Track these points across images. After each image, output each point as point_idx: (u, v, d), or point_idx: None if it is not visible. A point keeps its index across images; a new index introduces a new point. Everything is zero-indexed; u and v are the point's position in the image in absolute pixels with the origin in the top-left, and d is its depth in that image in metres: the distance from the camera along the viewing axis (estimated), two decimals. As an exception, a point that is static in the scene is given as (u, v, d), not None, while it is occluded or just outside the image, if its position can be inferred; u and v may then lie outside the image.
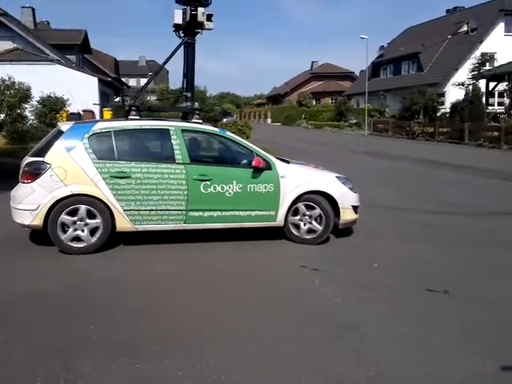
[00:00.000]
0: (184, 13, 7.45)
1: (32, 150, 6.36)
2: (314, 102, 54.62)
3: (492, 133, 23.22)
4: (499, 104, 30.07)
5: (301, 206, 6.37)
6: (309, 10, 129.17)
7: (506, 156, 19.82)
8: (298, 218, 6.42)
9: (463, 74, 31.19)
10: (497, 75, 28.40)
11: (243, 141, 6.55)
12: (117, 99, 32.32)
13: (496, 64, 29.79)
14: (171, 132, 6.14)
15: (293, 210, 6.37)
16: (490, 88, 29.40)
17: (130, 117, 6.48)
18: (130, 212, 5.89)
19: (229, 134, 6.55)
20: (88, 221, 5.79)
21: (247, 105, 78.53)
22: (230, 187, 6.13)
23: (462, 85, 28.35)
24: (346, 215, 6.50)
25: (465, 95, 26.88)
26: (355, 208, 6.59)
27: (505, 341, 3.83)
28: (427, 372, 3.32)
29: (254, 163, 6.17)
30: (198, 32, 7.54)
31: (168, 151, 6.11)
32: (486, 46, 34.30)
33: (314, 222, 6.40)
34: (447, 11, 44.53)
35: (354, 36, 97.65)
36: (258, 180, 6.23)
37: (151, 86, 58.80)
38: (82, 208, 5.76)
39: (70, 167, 5.77)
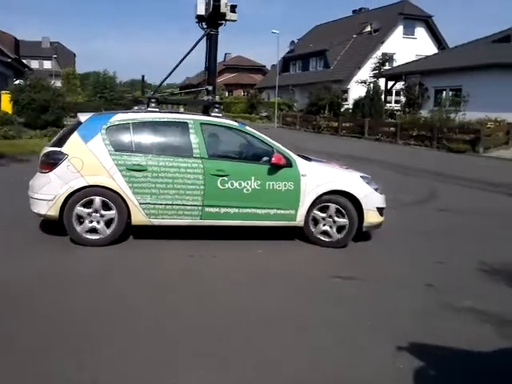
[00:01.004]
0: (207, 4, 7.15)
1: (52, 140, 6.22)
2: (227, 94, 54.76)
3: (389, 128, 24.75)
4: (396, 102, 32.12)
5: (331, 207, 6.15)
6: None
7: (400, 150, 21.28)
8: (322, 216, 6.19)
9: (365, 72, 32.91)
10: (395, 75, 30.32)
11: (263, 136, 6.28)
12: (17, 82, 30.20)
13: (395, 64, 31.80)
14: (190, 125, 6.00)
15: (314, 209, 6.16)
16: (389, 87, 31.32)
17: (148, 109, 6.29)
18: (145, 205, 5.78)
19: (248, 128, 6.35)
20: (103, 212, 5.70)
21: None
22: (247, 184, 5.97)
23: (364, 82, 29.91)
24: (370, 217, 6.22)
25: (366, 92, 28.37)
26: (380, 210, 6.32)
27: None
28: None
29: (273, 160, 5.96)
30: (222, 23, 7.26)
31: (186, 145, 5.96)
32: (386, 47, 36.44)
33: (334, 228, 6.20)
34: (353, 11, 46.64)
35: (266, 30, 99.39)
36: (278, 177, 6.03)
37: (56, 69, 55.68)
38: (97, 199, 5.66)
39: (86, 158, 5.68)
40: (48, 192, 5.67)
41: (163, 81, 8.04)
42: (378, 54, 34.36)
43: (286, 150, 6.17)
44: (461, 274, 5.59)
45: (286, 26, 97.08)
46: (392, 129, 24.33)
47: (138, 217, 5.82)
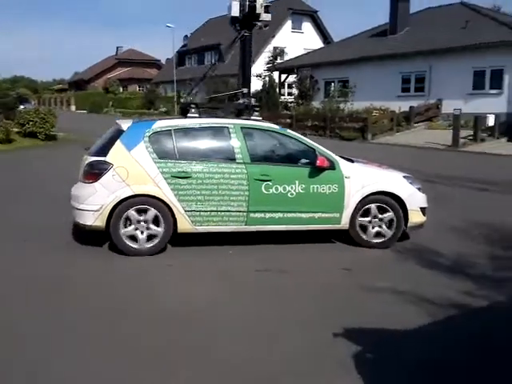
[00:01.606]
0: (242, 5, 6.74)
1: (91, 149, 5.98)
2: (121, 89, 52.74)
3: (285, 120, 25.50)
4: (289, 94, 33.20)
5: (372, 207, 6.01)
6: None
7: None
8: (368, 220, 6.05)
9: (259, 65, 33.50)
10: (287, 68, 31.28)
11: (305, 139, 6.09)
12: None
13: (286, 58, 32.75)
14: (231, 130, 5.81)
15: (361, 212, 5.99)
16: (282, 79, 32.24)
17: (188, 114, 6.01)
18: (191, 213, 5.63)
19: (290, 131, 6.17)
20: (151, 226, 5.58)
21: (46, 90, 71.65)
22: (292, 188, 5.79)
23: (260, 76, 30.48)
24: (414, 217, 6.10)
25: (262, 86, 28.97)
26: (423, 210, 6.20)
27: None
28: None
29: (318, 163, 5.75)
30: (255, 25, 6.87)
31: (228, 150, 5.80)
32: (277, 41, 37.36)
33: (383, 226, 6.06)
34: (243, 6, 47.09)
35: (160, 24, 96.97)
36: (322, 180, 5.85)
37: None
38: (151, 211, 5.54)
39: (131, 167, 5.52)
40: (94, 202, 5.49)
41: (196, 85, 7.54)
42: (270, 47, 35.16)
43: (328, 152, 6.01)
44: (375, 255, 5.97)
45: (178, 20, 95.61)
46: (288, 120, 25.07)
47: (184, 224, 5.67)
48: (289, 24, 39.38)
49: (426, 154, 17.22)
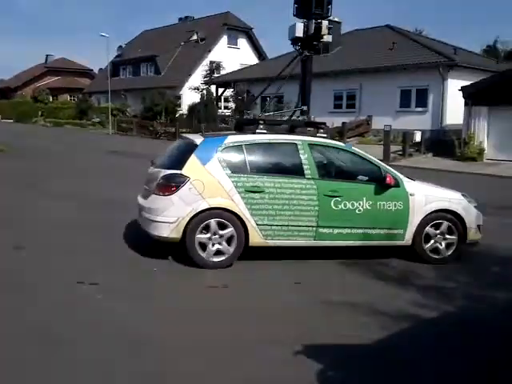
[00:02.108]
0: (306, 26, 6.87)
1: (159, 162, 6.10)
2: (52, 99, 50.30)
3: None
4: (226, 108, 33.21)
5: (436, 223, 6.07)
6: (40, 1, 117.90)
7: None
8: (433, 234, 6.08)
9: (197, 78, 33.29)
10: (224, 82, 31.28)
11: (370, 156, 6.14)
12: None
13: (223, 72, 32.74)
14: (299, 146, 5.86)
15: (428, 227, 6.05)
16: (219, 93, 32.19)
17: (257, 130, 6.01)
18: (262, 227, 5.67)
19: (355, 149, 6.23)
20: (221, 232, 5.57)
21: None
22: (360, 204, 5.85)
23: (197, 89, 30.24)
24: (471, 235, 6.14)
25: (200, 99, 28.74)
26: (479, 227, 6.26)
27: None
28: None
29: (387, 180, 5.86)
30: (316, 45, 7.02)
31: (297, 166, 5.85)
32: (213, 55, 37.34)
33: (443, 243, 6.11)
34: (180, 19, 46.78)
35: (93, 32, 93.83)
36: (388, 197, 5.93)
37: None
38: (212, 222, 5.55)
39: (207, 180, 5.58)
40: (171, 215, 5.52)
41: (271, 101, 7.45)
42: (207, 61, 35.05)
43: (392, 170, 6.12)
44: (323, 268, 5.91)
45: (112, 29, 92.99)
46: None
47: (256, 238, 5.69)
48: (225, 39, 39.54)
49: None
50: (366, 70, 24.67)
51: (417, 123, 22.11)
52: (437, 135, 21.69)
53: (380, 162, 6.24)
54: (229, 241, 5.61)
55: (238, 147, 5.79)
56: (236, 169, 5.71)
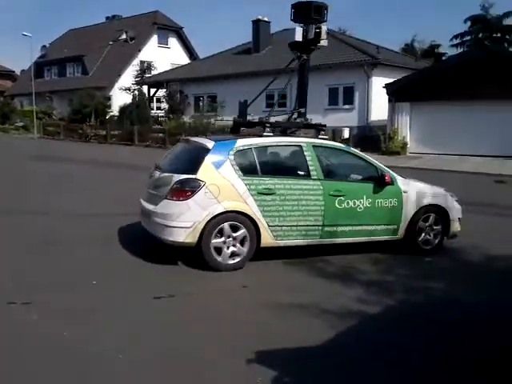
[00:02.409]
0: (305, 31, 7.08)
1: (168, 167, 6.10)
2: (-32, 102, 46.70)
3: (158, 134, 24.93)
4: (158, 108, 32.53)
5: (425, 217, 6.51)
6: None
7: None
8: (424, 227, 6.53)
9: (127, 79, 32.30)
10: (156, 82, 30.60)
11: (367, 156, 6.51)
12: None
13: (155, 72, 32.00)
14: (304, 148, 6.01)
15: (419, 224, 6.48)
16: (152, 93, 31.45)
17: (264, 133, 6.11)
18: (274, 228, 5.79)
19: (353, 149, 6.66)
20: (234, 234, 5.63)
21: None
22: (361, 202, 6.12)
23: (129, 90, 29.35)
24: (454, 227, 6.65)
25: (132, 99, 27.92)
26: (459, 220, 6.72)
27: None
28: None
29: (386, 179, 6.21)
30: (313, 49, 7.32)
31: (303, 167, 6.03)
32: (143, 55, 36.45)
33: (431, 234, 6.60)
34: (107, 18, 45.13)
35: (15, 32, 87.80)
36: (384, 195, 6.24)
37: None
38: (242, 231, 5.65)
39: (221, 184, 5.60)
40: (187, 219, 5.49)
41: (251, 103, 7.50)
42: (137, 61, 34.11)
43: (387, 169, 6.43)
44: (269, 270, 5.92)
45: (34, 29, 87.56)
46: (161, 135, 24.54)
47: (267, 239, 5.80)
48: (155, 39, 38.69)
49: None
50: (295, 70, 25.05)
51: (345, 120, 22.81)
52: (363, 131, 22.51)
53: (375, 161, 6.51)
54: (241, 242, 5.70)
55: (248, 150, 5.87)
56: (248, 172, 5.78)
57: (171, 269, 5.77)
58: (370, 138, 21.25)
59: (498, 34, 41.41)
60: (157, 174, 6.15)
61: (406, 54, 34.55)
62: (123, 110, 28.28)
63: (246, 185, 5.67)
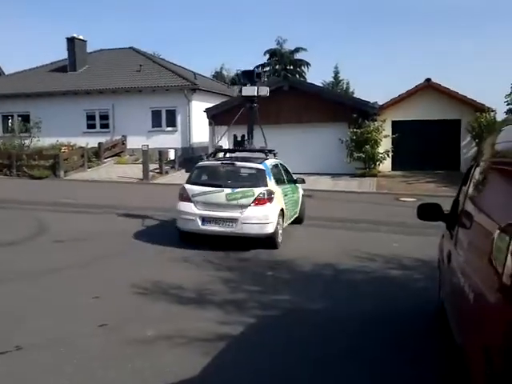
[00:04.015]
0: (258, 89, 10.04)
1: (238, 184, 8.16)
2: None
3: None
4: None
5: None
6: None
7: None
8: None
9: None
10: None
11: (288, 169, 9.94)
12: None
13: None
14: (280, 164, 9.59)
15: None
16: None
17: (269, 155, 9.54)
18: (286, 212, 8.91)
19: (285, 165, 9.90)
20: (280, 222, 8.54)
21: None
22: (292, 196, 9.52)
23: None
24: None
25: None
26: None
27: None
28: None
29: (298, 181, 9.95)
30: (256, 99, 10.16)
31: (282, 177, 9.37)
32: None
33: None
34: None
35: None
36: (295, 191, 9.82)
37: None
38: (280, 218, 8.48)
39: (276, 191, 8.31)
40: (272, 217, 8.00)
41: (222, 136, 13.04)
42: None
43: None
44: (125, 304, 5.58)
45: None
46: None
47: (285, 221, 8.89)
48: None
49: (125, 188, 17.31)
50: (117, 90, 24.29)
51: (169, 142, 22.94)
52: (187, 152, 22.93)
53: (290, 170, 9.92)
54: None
55: (275, 166, 9.18)
56: (278, 182, 8.76)
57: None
58: (194, 158, 21.71)
59: (291, 67, 46.80)
60: (225, 190, 7.98)
61: (217, 81, 36.45)
62: None
63: (280, 190, 8.58)
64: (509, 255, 2.10)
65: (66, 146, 22.38)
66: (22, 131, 23.07)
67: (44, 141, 22.58)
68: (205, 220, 7.97)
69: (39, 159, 20.33)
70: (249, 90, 10.11)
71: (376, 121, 18.76)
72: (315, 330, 4.82)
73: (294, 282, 6.55)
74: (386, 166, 19.13)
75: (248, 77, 10.51)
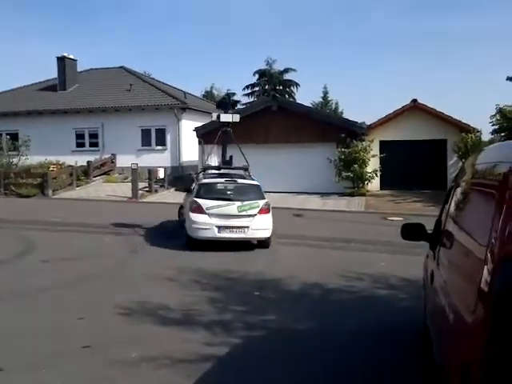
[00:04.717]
0: (232, 116, 12.03)
1: (244, 197, 9.90)
2: None
3: None
4: None
5: None
6: None
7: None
8: None
9: None
10: None
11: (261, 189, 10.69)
12: None
13: None
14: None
15: None
16: None
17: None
18: None
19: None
20: None
21: None
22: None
23: None
24: None
25: None
26: None
27: None
28: None
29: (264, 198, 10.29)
30: (230, 124, 11.94)
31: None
32: None
33: None
34: None
35: None
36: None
37: None
38: None
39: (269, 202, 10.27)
40: (270, 224, 9.87)
41: (208, 155, 14.94)
42: None
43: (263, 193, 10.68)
44: (110, 325, 5.53)
45: None
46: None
47: None
48: None
49: (114, 206, 17.23)
50: (107, 109, 24.39)
51: (158, 160, 22.97)
52: (177, 171, 22.96)
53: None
54: None
55: (260, 184, 10.46)
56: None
57: None
58: (183, 177, 21.73)
59: (280, 87, 47.39)
60: (235, 203, 9.66)
61: (207, 100, 36.76)
62: None
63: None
64: (484, 270, 2.16)
65: (54, 164, 22.30)
66: (11, 149, 22.98)
67: (33, 159, 22.53)
68: (220, 228, 9.48)
69: (27, 177, 20.23)
70: (225, 117, 12.09)
71: (364, 141, 19.02)
72: (301, 349, 4.81)
73: (280, 302, 6.54)
74: (374, 185, 19.34)
75: (223, 106, 13.89)
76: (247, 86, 47.48)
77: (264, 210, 9.71)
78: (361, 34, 69.23)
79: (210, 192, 9.95)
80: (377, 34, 70.19)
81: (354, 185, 18.76)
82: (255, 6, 71.68)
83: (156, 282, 7.33)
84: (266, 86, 46.95)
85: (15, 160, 22.18)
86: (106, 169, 23.81)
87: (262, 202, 9.80)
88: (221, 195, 9.88)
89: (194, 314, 5.87)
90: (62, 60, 27.06)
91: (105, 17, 75.40)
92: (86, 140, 25.14)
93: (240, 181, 10.23)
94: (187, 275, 7.66)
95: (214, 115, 12.21)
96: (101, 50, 76.02)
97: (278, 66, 46.61)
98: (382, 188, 19.61)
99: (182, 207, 11.55)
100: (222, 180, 10.24)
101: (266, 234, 9.71)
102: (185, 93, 26.92)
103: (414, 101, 19.43)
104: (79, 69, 28.55)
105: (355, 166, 18.30)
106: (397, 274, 7.70)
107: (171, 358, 4.55)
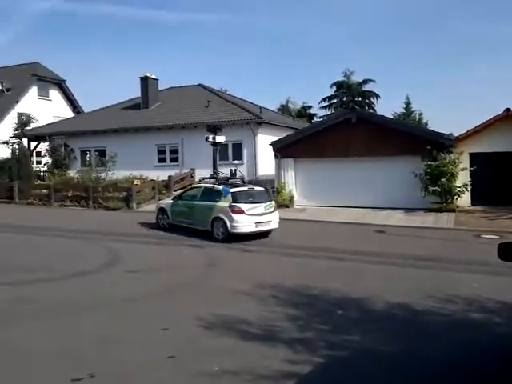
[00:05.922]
0: (214, 137, 16.29)
1: (261, 199, 13.01)
2: None
3: (41, 190, 23.19)
4: (39, 163, 30.45)
5: None
6: None
7: (56, 212, 20.24)
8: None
9: (3, 132, 29.83)
10: (38, 135, 28.74)
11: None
12: None
13: (35, 125, 30.05)
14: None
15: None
16: (33, 147, 29.40)
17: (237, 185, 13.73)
18: None
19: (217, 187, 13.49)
20: None
21: None
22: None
23: (7, 143, 27.08)
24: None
25: (12, 154, 25.73)
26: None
27: None
28: None
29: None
30: (219, 144, 16.67)
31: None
32: (22, 107, 34.11)
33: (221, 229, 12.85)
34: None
35: None
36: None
37: None
38: None
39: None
40: (278, 218, 13.30)
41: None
42: (14, 113, 31.83)
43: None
44: (192, 336, 5.74)
45: None
46: (44, 191, 22.84)
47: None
48: (34, 90, 36.57)
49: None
50: (186, 126, 25.51)
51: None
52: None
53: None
54: None
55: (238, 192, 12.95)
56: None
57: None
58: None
59: (359, 98, 46.72)
60: (262, 204, 12.70)
61: (283, 114, 37.14)
62: (2, 164, 25.80)
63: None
64: None
65: (138, 178, 23.68)
66: (99, 165, 24.80)
67: (118, 174, 24.09)
68: (256, 223, 12.48)
69: (114, 191, 21.63)
70: (219, 138, 16.65)
71: (452, 153, 18.11)
72: (390, 372, 4.66)
73: (364, 323, 6.39)
74: (464, 200, 18.28)
75: (213, 129, 16.77)
76: (324, 99, 47.46)
77: (275, 209, 13.23)
78: (439, 42, 66.33)
79: (241, 197, 12.72)
80: (459, 41, 66.92)
81: (442, 200, 17.85)
82: (331, 19, 71.60)
83: (237, 296, 7.47)
84: (344, 98, 46.56)
85: (103, 175, 23.86)
86: (185, 183, 24.77)
87: (273, 202, 13.41)
88: (250, 199, 12.82)
89: (275, 331, 5.91)
90: (144, 80, 28.83)
91: (185, 38, 79.19)
92: (167, 155, 26.42)
93: (256, 187, 13.74)
94: (267, 291, 7.74)
95: (210, 136, 16.38)
96: (179, 68, 79.99)
97: (357, 78, 46.14)
98: (472, 203, 18.48)
99: (162, 210, 14.88)
100: (246, 188, 13.34)
101: (277, 225, 13.10)
102: (260, 107, 27.44)
103: (508, 110, 18.19)
104: (160, 87, 30.22)
105: (443, 179, 17.44)
106: (492, 297, 7.22)
107: (253, 373, 4.62)
